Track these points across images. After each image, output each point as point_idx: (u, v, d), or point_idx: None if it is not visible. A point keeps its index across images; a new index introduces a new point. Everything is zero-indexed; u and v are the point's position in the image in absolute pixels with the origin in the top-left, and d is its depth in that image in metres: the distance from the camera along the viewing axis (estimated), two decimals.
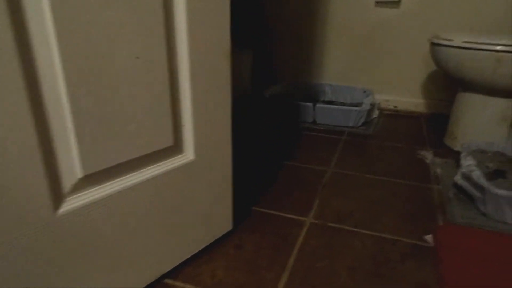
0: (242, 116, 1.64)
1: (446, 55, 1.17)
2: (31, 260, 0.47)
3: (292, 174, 1.10)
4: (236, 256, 0.74)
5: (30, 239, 0.46)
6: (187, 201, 0.67)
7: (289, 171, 1.12)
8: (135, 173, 0.57)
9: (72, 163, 0.49)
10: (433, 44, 1.22)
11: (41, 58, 0.42)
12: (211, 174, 0.71)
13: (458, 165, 1.06)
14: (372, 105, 1.57)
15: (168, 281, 0.67)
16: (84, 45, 0.45)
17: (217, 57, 0.64)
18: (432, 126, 1.55)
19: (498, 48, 1.05)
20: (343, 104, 1.71)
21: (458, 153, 1.10)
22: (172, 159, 0.63)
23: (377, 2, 1.63)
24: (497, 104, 1.16)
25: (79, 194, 0.51)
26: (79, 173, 0.49)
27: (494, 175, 0.98)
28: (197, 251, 0.73)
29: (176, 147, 0.63)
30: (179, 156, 0.64)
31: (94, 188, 0.53)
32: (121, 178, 0.56)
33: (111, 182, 0.54)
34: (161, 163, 0.61)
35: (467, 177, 0.92)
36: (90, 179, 0.51)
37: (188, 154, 0.65)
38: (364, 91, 1.69)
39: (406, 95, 1.74)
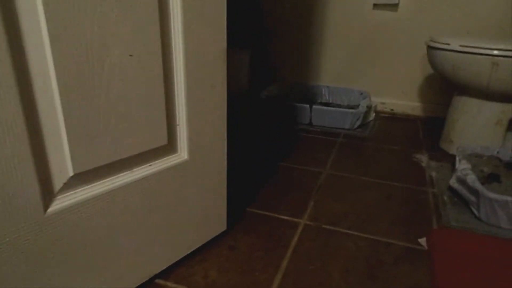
0: (239, 117, 1.64)
1: (442, 58, 1.17)
2: (20, 259, 0.46)
3: (288, 175, 1.10)
4: (229, 257, 0.74)
5: (19, 237, 0.45)
6: (181, 201, 0.66)
7: (285, 172, 1.12)
8: (128, 172, 0.57)
9: (63, 161, 0.48)
10: (430, 48, 1.22)
11: (32, 55, 0.42)
12: (205, 174, 0.70)
13: (453, 168, 1.06)
14: (369, 108, 1.57)
15: (160, 281, 0.67)
16: (76, 42, 0.44)
17: (213, 56, 0.64)
18: (428, 129, 1.55)
19: (495, 52, 1.05)
20: (339, 106, 1.71)
21: (453, 157, 1.10)
22: (165, 158, 0.62)
23: (375, 5, 1.63)
24: (493, 108, 1.16)
25: (70, 192, 0.50)
26: (70, 171, 0.49)
27: (489, 179, 0.98)
28: (190, 251, 0.73)
29: (170, 146, 0.63)
30: (173, 155, 0.64)
31: (86, 187, 0.52)
32: (113, 177, 0.55)
33: (103, 181, 0.54)
34: (155, 162, 0.61)
35: (461, 181, 0.92)
36: (81, 178, 0.51)
37: (182, 153, 0.65)
38: (361, 94, 1.69)
39: (402, 98, 1.74)
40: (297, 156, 1.23)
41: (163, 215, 0.64)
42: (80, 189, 0.51)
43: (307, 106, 1.51)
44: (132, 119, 0.54)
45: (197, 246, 0.74)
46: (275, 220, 0.87)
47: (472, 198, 0.89)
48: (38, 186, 0.45)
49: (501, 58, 1.05)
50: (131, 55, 0.51)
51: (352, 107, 1.62)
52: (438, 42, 1.17)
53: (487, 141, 1.18)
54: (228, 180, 0.77)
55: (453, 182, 0.96)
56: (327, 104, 1.73)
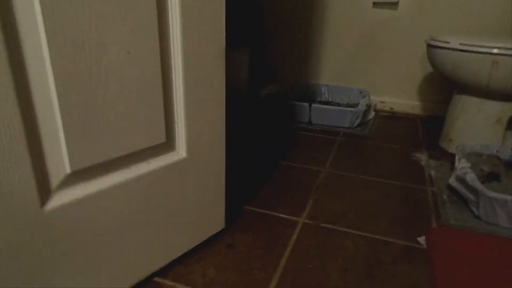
0: (238, 115, 1.64)
1: (442, 57, 1.17)
2: (17, 257, 0.46)
3: (287, 174, 1.10)
4: (228, 255, 0.74)
5: (16, 234, 0.45)
6: (179, 199, 0.66)
7: (284, 171, 1.12)
8: (126, 169, 0.57)
9: (60, 159, 0.48)
10: (430, 46, 1.22)
11: (29, 53, 0.42)
12: (204, 172, 0.70)
13: (453, 167, 1.06)
14: (368, 106, 1.56)
15: (158, 279, 0.66)
16: (73, 39, 0.44)
17: (212, 54, 0.64)
18: (428, 128, 1.55)
19: (495, 51, 1.05)
20: (339, 104, 1.71)
21: (453, 156, 1.10)
22: (164, 156, 0.62)
23: (374, 3, 1.63)
24: (493, 107, 1.16)
25: (68, 190, 0.50)
26: (67, 168, 0.48)
27: (489, 178, 0.98)
28: (188, 249, 0.73)
29: (168, 144, 0.62)
30: (171, 153, 0.64)
31: (83, 184, 0.52)
32: (111, 175, 0.55)
33: (101, 178, 0.54)
34: (153, 160, 0.61)
35: (461, 180, 0.92)
36: (78, 175, 0.51)
37: (181, 151, 0.65)
38: (361, 92, 1.69)
39: (402, 97, 1.74)
40: (297, 155, 1.23)
41: (161, 213, 0.64)
42: (77, 187, 0.51)
43: (307, 104, 1.51)
44: (130, 116, 0.54)
45: (196, 245, 0.74)
46: (274, 219, 0.87)
47: (471, 197, 0.88)
48: (35, 183, 0.45)
49: (501, 56, 1.05)
50: (129, 53, 0.50)
51: (351, 106, 1.62)
52: (438, 41, 1.17)
53: (486, 140, 1.18)
54: (227, 178, 0.77)
55: (452, 181, 0.96)
56: (326, 103, 1.73)
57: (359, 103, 1.56)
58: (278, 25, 1.83)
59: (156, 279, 0.66)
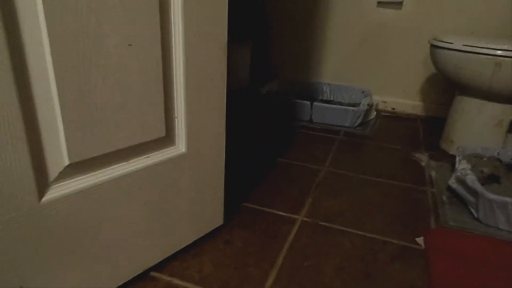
0: (238, 112, 1.63)
1: (445, 57, 1.16)
2: (13, 248, 0.45)
3: (286, 171, 1.10)
4: (225, 251, 0.73)
5: (13, 225, 0.45)
6: (177, 194, 0.66)
7: (283, 168, 1.12)
8: (124, 163, 0.56)
9: (59, 150, 0.47)
10: (433, 46, 1.21)
11: (29, 43, 0.41)
12: (203, 168, 0.70)
13: (453, 168, 1.05)
14: (370, 106, 1.56)
15: (155, 274, 0.66)
16: (73, 29, 0.44)
17: (213, 49, 0.63)
18: (429, 129, 1.54)
19: (498, 52, 1.05)
20: (341, 104, 1.70)
21: (453, 157, 1.10)
22: (163, 150, 0.62)
23: (379, 3, 1.62)
24: (494, 109, 1.16)
25: (66, 182, 0.50)
26: (65, 160, 0.48)
27: (489, 180, 0.98)
28: (185, 245, 0.72)
29: (167, 139, 0.62)
30: (171, 148, 0.63)
31: (81, 177, 0.52)
32: (109, 168, 0.55)
33: (99, 171, 0.53)
34: (152, 154, 0.60)
35: (461, 181, 0.92)
36: (77, 167, 0.50)
37: (180, 146, 0.64)
38: (362, 92, 1.68)
39: (404, 97, 1.73)
40: (296, 153, 1.23)
41: (159, 207, 0.63)
42: (75, 179, 0.51)
43: (308, 103, 1.51)
44: (130, 110, 0.53)
45: (193, 240, 0.74)
46: (272, 216, 0.86)
47: (471, 198, 0.88)
48: (33, 175, 0.45)
49: (504, 58, 1.04)
50: (129, 45, 0.50)
51: (353, 105, 1.61)
52: (441, 41, 1.16)
53: (487, 142, 1.18)
54: (226, 174, 0.77)
55: (452, 182, 0.96)
56: (328, 102, 1.73)
57: (360, 103, 1.56)
58: (280, 22, 1.82)
59: (152, 273, 0.66)
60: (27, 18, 0.40)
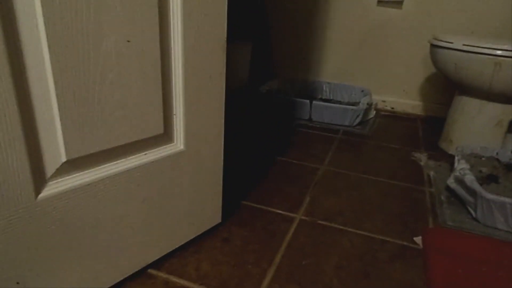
0: (237, 110, 1.63)
1: (445, 57, 1.16)
2: (10, 245, 0.45)
3: (285, 170, 1.09)
4: (223, 249, 0.73)
5: (9, 222, 0.44)
6: (175, 191, 0.66)
7: (282, 167, 1.11)
8: (122, 160, 0.56)
9: (56, 147, 0.47)
10: (433, 46, 1.21)
11: (26, 38, 0.41)
12: (201, 166, 0.70)
13: (452, 168, 1.05)
14: (369, 105, 1.56)
15: (152, 271, 0.66)
16: (71, 25, 0.43)
17: (212, 47, 0.63)
18: (428, 128, 1.54)
19: (498, 52, 1.04)
20: (340, 102, 1.70)
21: (452, 157, 1.10)
22: (161, 147, 0.62)
23: (379, 2, 1.62)
24: (494, 109, 1.16)
25: (63, 178, 0.50)
26: (63, 157, 0.48)
27: (487, 180, 0.98)
28: (183, 242, 0.72)
29: (166, 136, 0.62)
30: (169, 145, 0.63)
31: (79, 174, 0.51)
32: (107, 165, 0.54)
33: (97, 168, 0.53)
34: (150, 151, 0.60)
35: (459, 181, 0.92)
36: (74, 164, 0.50)
37: (178, 143, 0.64)
38: (362, 91, 1.68)
39: (403, 97, 1.73)
40: (295, 151, 1.23)
41: (157, 205, 0.63)
42: (73, 176, 0.51)
43: (307, 101, 1.51)
44: (128, 106, 0.53)
45: (191, 238, 0.74)
46: (271, 214, 0.86)
47: (469, 198, 0.88)
48: (29, 171, 0.45)
49: (504, 58, 1.04)
50: (128, 41, 0.50)
51: (352, 104, 1.61)
52: (441, 41, 1.16)
53: (486, 142, 1.18)
54: (225, 172, 0.76)
55: (451, 181, 0.96)
56: (327, 101, 1.72)
57: (360, 102, 1.55)
58: (280, 21, 1.82)
59: (150, 271, 0.66)
60: (25, 16, 0.40)
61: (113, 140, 0.53)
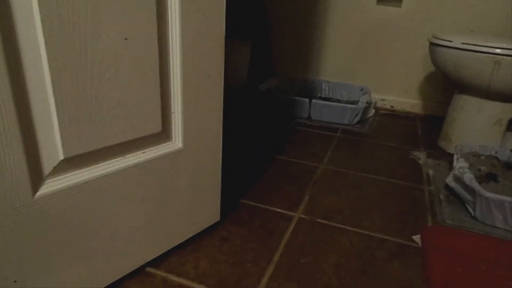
0: (237, 109, 1.63)
1: (444, 55, 1.16)
2: (7, 242, 0.45)
3: (284, 168, 1.09)
4: (222, 248, 0.73)
5: (6, 220, 0.44)
6: (174, 190, 0.66)
7: (281, 165, 1.11)
8: (120, 158, 0.56)
9: (53, 145, 0.47)
10: (432, 44, 1.21)
11: (23, 35, 0.41)
12: (200, 164, 0.69)
13: (451, 167, 1.05)
14: (369, 104, 1.56)
15: (151, 270, 0.66)
16: (68, 22, 0.43)
17: (210, 44, 0.63)
18: (427, 127, 1.54)
19: (497, 51, 1.04)
20: (339, 101, 1.70)
21: (451, 155, 1.10)
22: (159, 146, 0.62)
23: (378, 0, 1.61)
24: (493, 108, 1.16)
25: (60, 176, 0.49)
26: (60, 155, 0.48)
27: (486, 178, 0.98)
28: (182, 241, 0.72)
29: (164, 134, 0.62)
30: (167, 143, 0.63)
31: (76, 172, 0.51)
32: (105, 163, 0.54)
33: (94, 166, 0.53)
34: (148, 149, 0.60)
35: (458, 179, 0.91)
36: (72, 162, 0.50)
37: (177, 142, 0.64)
38: (361, 89, 1.68)
39: (403, 96, 1.73)
40: (294, 150, 1.23)
41: (155, 203, 0.63)
42: (70, 174, 0.50)
43: (306, 100, 1.50)
44: (126, 104, 0.53)
45: (190, 236, 0.74)
46: (270, 213, 0.86)
47: (468, 196, 0.88)
48: (26, 169, 0.44)
49: (504, 57, 1.04)
50: (126, 39, 0.50)
51: (352, 103, 1.61)
52: (441, 39, 1.16)
53: (486, 140, 1.18)
54: (224, 171, 0.76)
55: (449, 180, 0.96)
56: (327, 99, 1.72)
57: (359, 100, 1.55)
58: (280, 19, 1.82)
59: (148, 269, 0.66)
60: (22, 13, 0.40)
61: (110, 138, 0.53)
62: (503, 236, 0.81)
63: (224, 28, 0.64)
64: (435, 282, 0.67)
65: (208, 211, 0.76)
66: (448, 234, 0.81)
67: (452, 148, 1.22)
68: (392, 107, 1.75)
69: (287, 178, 1.04)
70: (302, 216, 0.86)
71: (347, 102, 1.68)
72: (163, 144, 0.62)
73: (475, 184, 0.85)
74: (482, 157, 1.07)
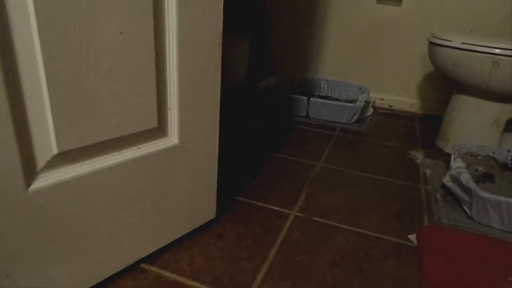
0: (235, 106, 1.63)
1: (443, 55, 1.16)
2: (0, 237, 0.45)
3: (281, 166, 1.09)
4: (217, 245, 0.73)
5: None
6: (169, 186, 0.65)
7: (278, 163, 1.11)
8: (115, 153, 0.56)
9: (47, 139, 0.47)
10: (431, 44, 1.21)
11: (17, 29, 0.40)
12: (195, 160, 0.69)
13: (448, 167, 1.05)
14: (367, 103, 1.55)
15: (145, 266, 0.66)
16: (63, 15, 0.43)
17: (208, 39, 0.62)
18: (425, 127, 1.54)
19: (497, 51, 1.04)
20: (338, 100, 1.70)
21: (449, 155, 1.09)
22: (155, 141, 0.61)
23: None
24: (491, 108, 1.15)
25: (54, 171, 0.49)
26: (54, 149, 0.47)
27: (483, 178, 0.98)
28: (177, 237, 0.72)
29: (160, 130, 0.61)
30: (163, 139, 0.63)
31: (71, 166, 0.51)
32: (99, 158, 0.54)
33: (89, 161, 0.53)
34: (144, 145, 0.60)
35: (455, 179, 0.91)
36: (66, 157, 0.50)
37: (172, 138, 0.64)
38: (360, 88, 1.68)
39: (401, 95, 1.73)
40: (292, 148, 1.22)
41: (150, 199, 0.63)
42: (65, 168, 0.50)
43: (305, 98, 1.50)
44: (121, 99, 0.53)
45: (185, 233, 0.73)
46: (266, 210, 0.86)
47: (465, 196, 0.88)
48: (19, 163, 0.44)
49: (502, 57, 1.04)
50: (121, 33, 0.49)
51: (350, 102, 1.61)
52: (440, 39, 1.16)
53: (483, 140, 1.17)
54: (220, 168, 0.76)
55: (446, 180, 0.95)
56: (325, 98, 1.72)
57: (357, 99, 1.55)
58: (279, 16, 1.81)
59: (143, 265, 0.66)
60: (16, 5, 0.39)
61: (105, 133, 0.52)
62: (499, 236, 0.81)
63: (221, 23, 0.64)
64: (430, 281, 0.67)
65: (204, 208, 0.76)
66: (444, 233, 0.81)
67: (450, 148, 1.22)
68: (390, 106, 1.75)
69: (284, 176, 1.03)
70: (298, 214, 0.86)
71: (346, 101, 1.68)
72: (159, 140, 0.62)
73: (471, 184, 0.85)
74: (480, 157, 1.07)
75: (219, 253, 0.71)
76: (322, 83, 1.78)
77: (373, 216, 0.87)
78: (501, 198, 0.80)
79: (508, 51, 1.03)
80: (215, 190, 0.77)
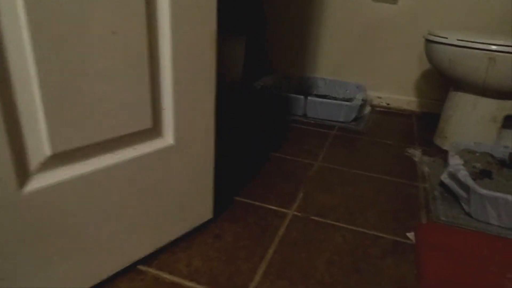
0: (232, 105, 1.62)
1: (440, 52, 1.15)
2: None
3: (278, 165, 1.09)
4: (214, 245, 0.73)
5: None
6: (165, 186, 0.65)
7: (275, 162, 1.11)
8: (110, 154, 0.55)
9: (40, 140, 0.46)
10: (428, 41, 1.21)
11: (7, 28, 0.40)
12: (191, 161, 0.69)
13: (446, 164, 1.05)
14: (364, 101, 1.55)
15: (142, 267, 0.65)
16: (54, 14, 0.42)
17: (202, 38, 0.62)
18: (423, 124, 1.54)
19: (493, 47, 1.04)
20: (335, 98, 1.69)
21: (447, 153, 1.09)
22: (150, 142, 0.61)
23: None
24: (488, 105, 1.15)
25: (48, 172, 0.49)
26: (47, 150, 0.47)
27: (481, 175, 0.97)
28: (174, 238, 0.71)
29: (154, 130, 0.61)
30: (158, 139, 0.62)
31: (65, 167, 0.50)
32: (94, 159, 0.53)
33: (83, 162, 0.52)
34: (139, 145, 0.59)
35: (453, 176, 0.91)
36: (60, 158, 0.49)
37: (168, 138, 0.63)
38: (357, 87, 1.68)
39: (399, 93, 1.73)
40: (289, 147, 1.22)
41: (146, 200, 0.62)
42: (58, 170, 0.50)
43: (302, 97, 1.50)
44: (115, 99, 0.52)
45: (182, 234, 0.73)
46: (263, 210, 0.86)
47: (462, 193, 0.88)
48: (12, 164, 0.44)
49: (499, 53, 1.03)
50: (113, 33, 0.49)
51: (347, 100, 1.61)
52: (436, 36, 1.15)
53: (481, 137, 1.17)
54: (217, 168, 0.76)
55: (444, 177, 0.95)
56: (322, 96, 1.71)
57: (355, 98, 1.55)
58: (276, 14, 1.81)
59: (140, 266, 0.65)
60: (6, 5, 0.39)
61: (99, 134, 0.52)
62: (497, 233, 0.81)
63: (215, 20, 0.63)
64: (428, 278, 0.66)
65: (200, 208, 0.75)
66: (442, 231, 0.81)
67: (448, 145, 1.22)
68: (388, 104, 1.75)
69: (282, 175, 1.03)
70: (296, 213, 0.85)
71: (343, 99, 1.67)
72: (154, 141, 0.61)
73: (469, 181, 0.84)
74: (477, 154, 1.07)
75: (216, 253, 0.70)
76: (319, 82, 1.77)
77: (371, 214, 0.87)
78: (499, 194, 0.80)
79: (505, 47, 1.03)
80: (212, 190, 0.76)
